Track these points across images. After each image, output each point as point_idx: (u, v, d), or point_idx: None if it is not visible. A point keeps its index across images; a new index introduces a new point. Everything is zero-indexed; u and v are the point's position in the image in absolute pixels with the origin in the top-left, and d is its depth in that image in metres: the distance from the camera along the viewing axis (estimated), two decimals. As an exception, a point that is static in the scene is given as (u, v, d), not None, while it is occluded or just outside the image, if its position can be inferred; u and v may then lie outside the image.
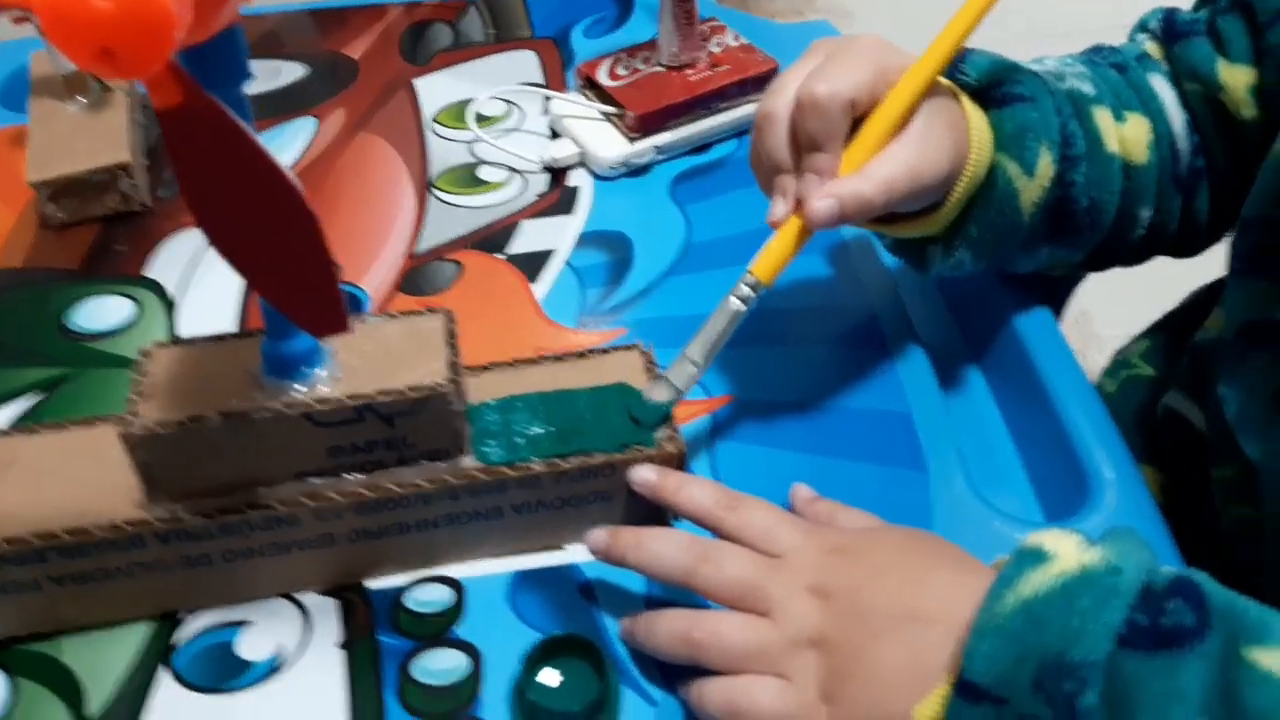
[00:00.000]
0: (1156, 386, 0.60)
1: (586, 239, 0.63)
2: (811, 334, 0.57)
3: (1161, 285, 0.70)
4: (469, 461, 0.43)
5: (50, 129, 0.65)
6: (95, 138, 0.65)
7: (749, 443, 0.51)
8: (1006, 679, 0.34)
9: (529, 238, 0.63)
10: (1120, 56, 0.55)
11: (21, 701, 0.42)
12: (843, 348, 0.56)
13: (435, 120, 0.73)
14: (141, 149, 0.67)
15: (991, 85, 0.49)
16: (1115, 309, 0.98)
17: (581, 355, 0.49)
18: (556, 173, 0.68)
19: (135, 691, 0.42)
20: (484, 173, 0.68)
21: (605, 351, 0.49)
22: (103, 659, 0.43)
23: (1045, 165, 0.48)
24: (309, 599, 0.45)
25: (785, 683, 0.39)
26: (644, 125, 0.66)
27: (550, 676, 0.40)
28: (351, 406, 0.40)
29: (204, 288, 0.60)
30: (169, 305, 0.59)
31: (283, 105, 0.74)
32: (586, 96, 0.70)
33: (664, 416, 0.45)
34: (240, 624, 0.44)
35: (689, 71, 0.69)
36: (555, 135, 0.70)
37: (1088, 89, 0.51)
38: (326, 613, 0.45)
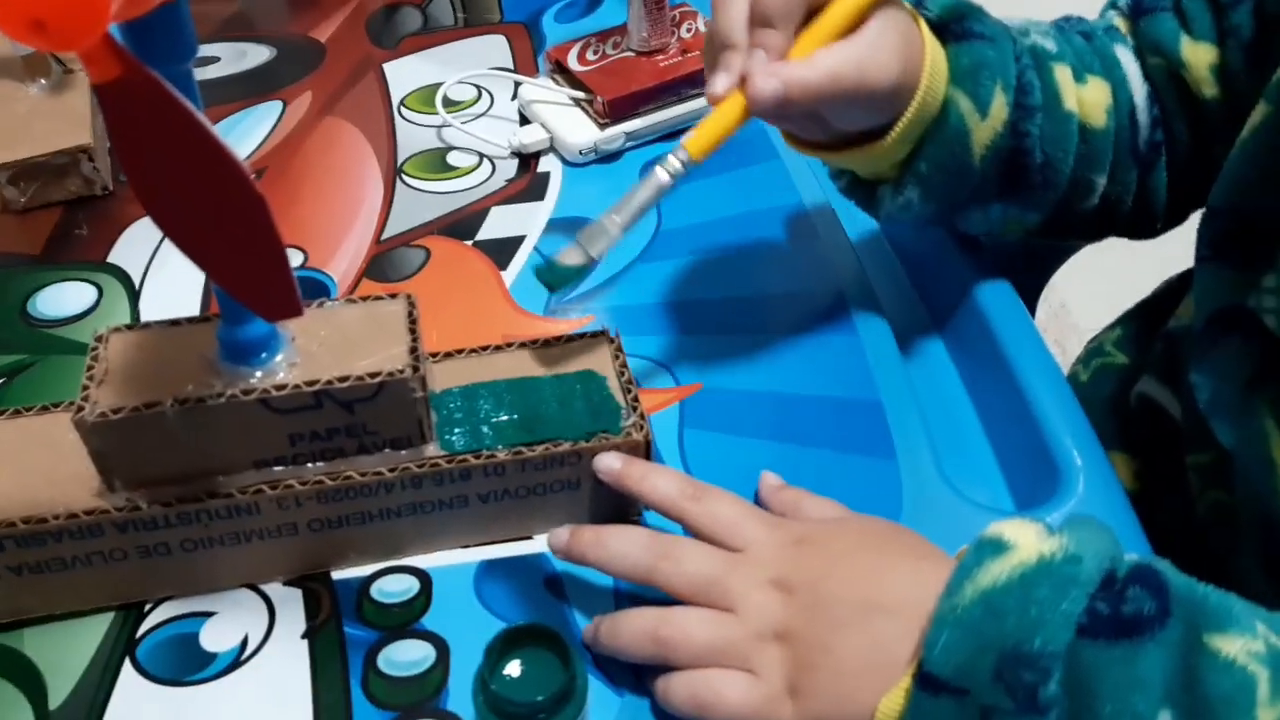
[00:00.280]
0: (1130, 374, 0.60)
1: (556, 225, 0.62)
2: (780, 321, 0.57)
3: (1139, 277, 0.70)
4: (433, 450, 0.43)
5: (10, 111, 0.64)
6: (56, 120, 0.64)
7: (717, 431, 0.51)
8: (966, 670, 0.34)
9: (498, 224, 0.62)
10: (1088, 26, 0.55)
11: (-20, 694, 0.41)
12: (811, 335, 0.56)
13: (403, 105, 0.72)
14: (104, 132, 0.66)
15: (952, 20, 0.49)
16: (1093, 300, 0.98)
17: (548, 343, 0.48)
18: (526, 158, 0.67)
19: (98, 684, 0.42)
20: (453, 158, 0.67)
21: (573, 339, 0.48)
22: (65, 651, 0.43)
23: (999, 106, 0.48)
24: (273, 590, 0.45)
25: (751, 676, 0.39)
26: (614, 111, 0.65)
27: (515, 667, 0.40)
28: (309, 393, 0.39)
29: (168, 274, 0.59)
30: (132, 291, 0.58)
31: (249, 88, 0.73)
32: (556, 81, 0.69)
33: (572, 280, 0.44)
34: (204, 615, 0.44)
35: (659, 57, 0.68)
36: (525, 121, 0.69)
37: (1050, 46, 0.51)
38: (291, 603, 0.44)
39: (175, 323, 0.43)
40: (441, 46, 0.78)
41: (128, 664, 0.42)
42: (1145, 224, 0.56)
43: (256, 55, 0.77)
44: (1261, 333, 0.42)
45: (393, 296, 0.44)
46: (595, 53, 0.69)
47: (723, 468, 0.48)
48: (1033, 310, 0.73)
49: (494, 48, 0.77)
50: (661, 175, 0.45)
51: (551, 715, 0.38)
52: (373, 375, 0.40)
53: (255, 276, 0.33)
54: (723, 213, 0.62)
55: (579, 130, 0.66)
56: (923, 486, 0.48)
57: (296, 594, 0.44)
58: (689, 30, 0.71)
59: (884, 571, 0.39)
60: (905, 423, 0.51)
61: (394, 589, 0.45)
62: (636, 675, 0.41)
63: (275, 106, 0.71)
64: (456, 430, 0.44)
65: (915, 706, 0.35)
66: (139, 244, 0.61)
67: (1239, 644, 0.32)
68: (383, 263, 0.60)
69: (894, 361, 0.54)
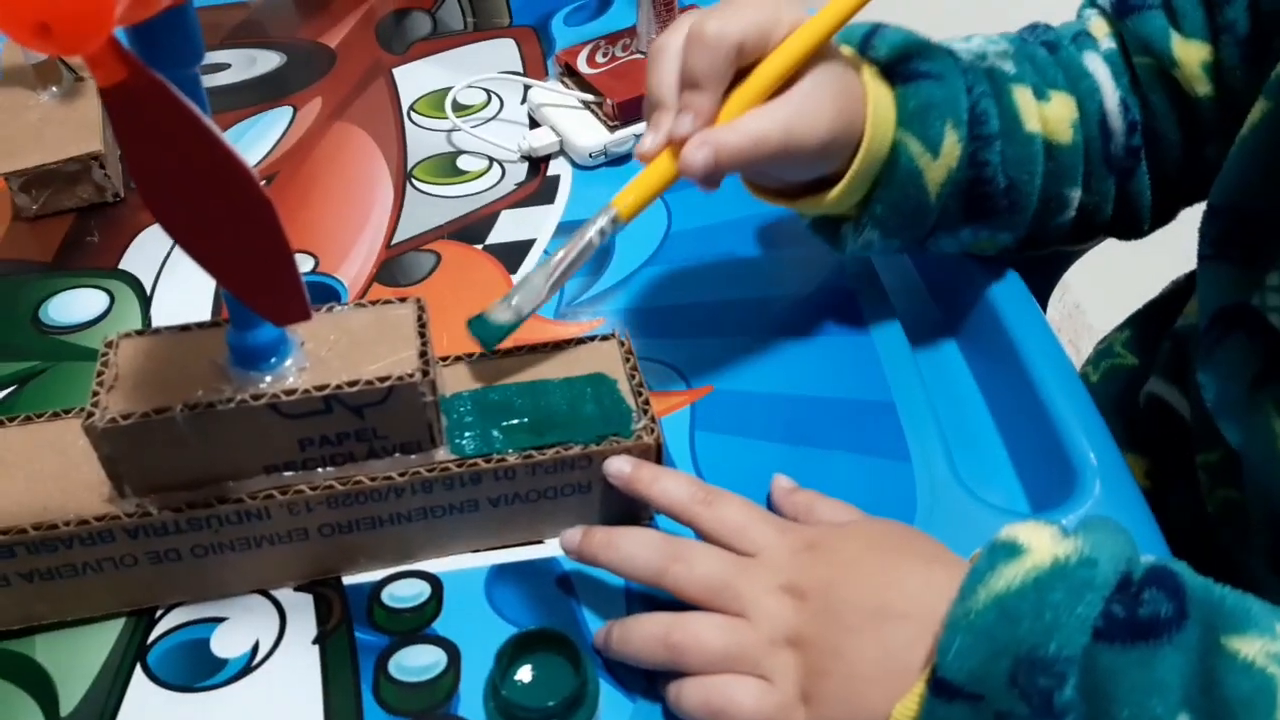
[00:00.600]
0: (1139, 375, 0.60)
1: (566, 228, 0.62)
2: (791, 323, 0.56)
3: (1153, 276, 0.69)
4: (443, 454, 0.43)
5: (21, 119, 0.64)
6: (67, 127, 0.64)
7: (729, 434, 0.51)
8: (981, 675, 0.33)
9: (508, 228, 0.62)
10: (1054, 35, 0.54)
11: (-8, 700, 0.41)
12: (823, 336, 0.55)
13: (413, 109, 0.72)
14: (115, 138, 0.66)
15: (899, 61, 0.49)
16: (1107, 301, 0.97)
17: (559, 346, 0.48)
18: (536, 162, 0.67)
19: (109, 690, 0.41)
20: (463, 162, 0.67)
21: (583, 342, 0.48)
22: (76, 657, 0.43)
23: (951, 144, 0.48)
24: (284, 595, 0.45)
25: (764, 683, 0.38)
26: (623, 113, 0.65)
27: (526, 672, 0.39)
28: (319, 397, 0.39)
29: (179, 280, 0.59)
30: (144, 298, 0.59)
31: (259, 94, 0.73)
32: (565, 84, 0.69)
33: (501, 338, 0.45)
34: (215, 621, 0.44)
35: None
36: (534, 124, 0.69)
37: (1009, 68, 0.51)
38: (302, 609, 0.44)
39: (185, 328, 0.42)
40: (451, 51, 0.78)
41: (139, 670, 0.42)
42: (1130, 227, 0.56)
43: (267, 61, 0.77)
44: (1266, 330, 0.42)
45: (402, 301, 0.44)
46: (604, 55, 0.69)
47: (734, 471, 0.48)
48: (1044, 310, 0.73)
49: (503, 51, 0.77)
50: (590, 235, 0.45)
51: (563, 720, 0.37)
52: (382, 380, 0.40)
53: (264, 281, 0.33)
54: (732, 214, 0.62)
55: (589, 133, 0.66)
56: (937, 488, 0.48)
57: (307, 599, 0.44)
58: (698, 32, 0.70)
59: (896, 576, 0.38)
60: (919, 424, 0.51)
61: (405, 594, 0.44)
62: (648, 680, 0.41)
63: (285, 112, 0.71)
64: (467, 434, 0.43)
65: (929, 712, 0.34)
66: (150, 250, 0.61)
67: (1258, 645, 0.32)
68: (393, 267, 0.60)
69: (907, 362, 0.54)
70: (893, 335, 0.55)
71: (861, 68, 0.48)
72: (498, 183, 0.66)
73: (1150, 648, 0.33)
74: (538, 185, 0.65)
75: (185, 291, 0.59)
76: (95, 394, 0.39)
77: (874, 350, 0.54)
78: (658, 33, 0.68)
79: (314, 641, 0.43)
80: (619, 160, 0.67)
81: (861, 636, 0.37)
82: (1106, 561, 0.34)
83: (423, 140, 0.69)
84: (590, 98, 0.67)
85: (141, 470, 0.40)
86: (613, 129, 0.66)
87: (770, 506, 0.46)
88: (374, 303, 0.43)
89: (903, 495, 0.48)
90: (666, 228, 0.62)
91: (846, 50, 0.48)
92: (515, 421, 0.44)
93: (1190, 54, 0.50)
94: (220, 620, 0.44)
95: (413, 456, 0.42)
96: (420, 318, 0.43)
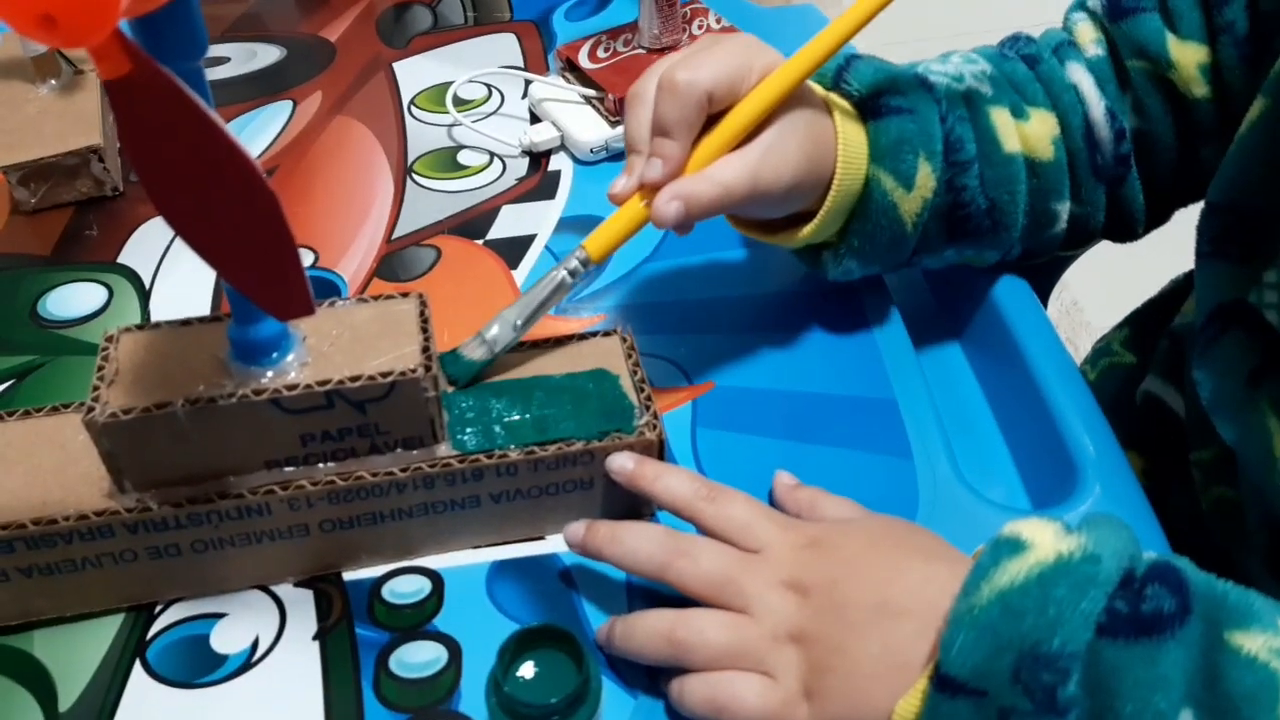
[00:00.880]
0: (1137, 373, 0.60)
1: (567, 224, 0.62)
2: (793, 319, 0.56)
3: (1152, 274, 0.69)
4: (444, 449, 0.42)
5: (20, 112, 0.64)
6: (66, 121, 0.64)
7: (731, 430, 0.50)
8: (984, 671, 0.33)
9: (509, 223, 0.62)
10: (1035, 48, 0.54)
11: (-10, 696, 0.41)
12: (825, 333, 0.55)
13: (414, 104, 0.71)
14: (114, 132, 0.66)
15: (871, 96, 0.49)
16: (1106, 298, 0.97)
17: (561, 342, 0.48)
18: (537, 157, 0.67)
19: (108, 686, 0.41)
20: (463, 157, 0.67)
21: (585, 337, 0.48)
22: (75, 653, 0.42)
23: (924, 176, 0.49)
24: (284, 591, 0.44)
25: (767, 679, 0.38)
26: (625, 109, 0.65)
27: (528, 668, 0.39)
28: (321, 393, 0.39)
29: (178, 274, 0.59)
30: (143, 292, 0.58)
31: (259, 88, 0.73)
32: (567, 79, 0.69)
33: (473, 374, 0.45)
34: (215, 616, 0.44)
35: (671, 53, 0.68)
36: (535, 119, 0.69)
37: (985, 89, 0.51)
38: (302, 605, 0.44)
39: (186, 322, 0.42)
40: (451, 45, 0.77)
41: (138, 666, 0.42)
42: (1124, 231, 0.56)
43: (267, 55, 0.76)
44: (1263, 328, 0.42)
45: (404, 296, 0.43)
46: (606, 50, 0.69)
47: (736, 467, 0.48)
48: (1044, 308, 0.73)
49: (504, 46, 0.77)
50: (561, 274, 0.46)
51: (565, 717, 0.37)
52: (384, 375, 0.39)
53: (267, 275, 0.32)
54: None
55: (590, 128, 0.66)
56: (938, 485, 0.48)
57: (308, 595, 0.44)
58: (700, 27, 0.70)
59: (899, 573, 0.38)
60: (920, 421, 0.50)
61: (406, 590, 0.44)
62: (650, 677, 0.41)
63: (285, 106, 0.71)
64: (469, 430, 0.43)
65: (932, 708, 0.34)
66: (149, 244, 0.61)
67: (1260, 640, 0.32)
68: (393, 262, 0.60)
69: (909, 359, 0.54)
70: (895, 332, 0.55)
71: (833, 106, 0.49)
72: (498, 178, 0.65)
73: (1154, 643, 0.33)
74: (539, 180, 0.65)
75: (184, 285, 0.58)
76: (95, 388, 0.39)
77: (876, 347, 0.54)
78: (660, 28, 0.68)
79: (314, 638, 0.43)
80: (620, 156, 0.67)
81: (864, 633, 0.37)
82: (1110, 557, 0.34)
83: (423, 135, 0.69)
84: (592, 93, 0.67)
85: (142, 465, 0.40)
86: (614, 124, 0.66)
87: (772, 503, 0.46)
88: (376, 298, 0.43)
89: (905, 492, 0.47)
90: (668, 223, 0.62)
91: (818, 88, 0.49)
92: (517, 417, 0.44)
93: (1187, 55, 0.50)
94: (220, 616, 0.43)
95: (414, 452, 0.42)
96: (423, 313, 0.42)
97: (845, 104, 0.49)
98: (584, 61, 0.68)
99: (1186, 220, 0.56)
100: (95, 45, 0.26)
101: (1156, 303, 0.64)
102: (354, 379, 0.39)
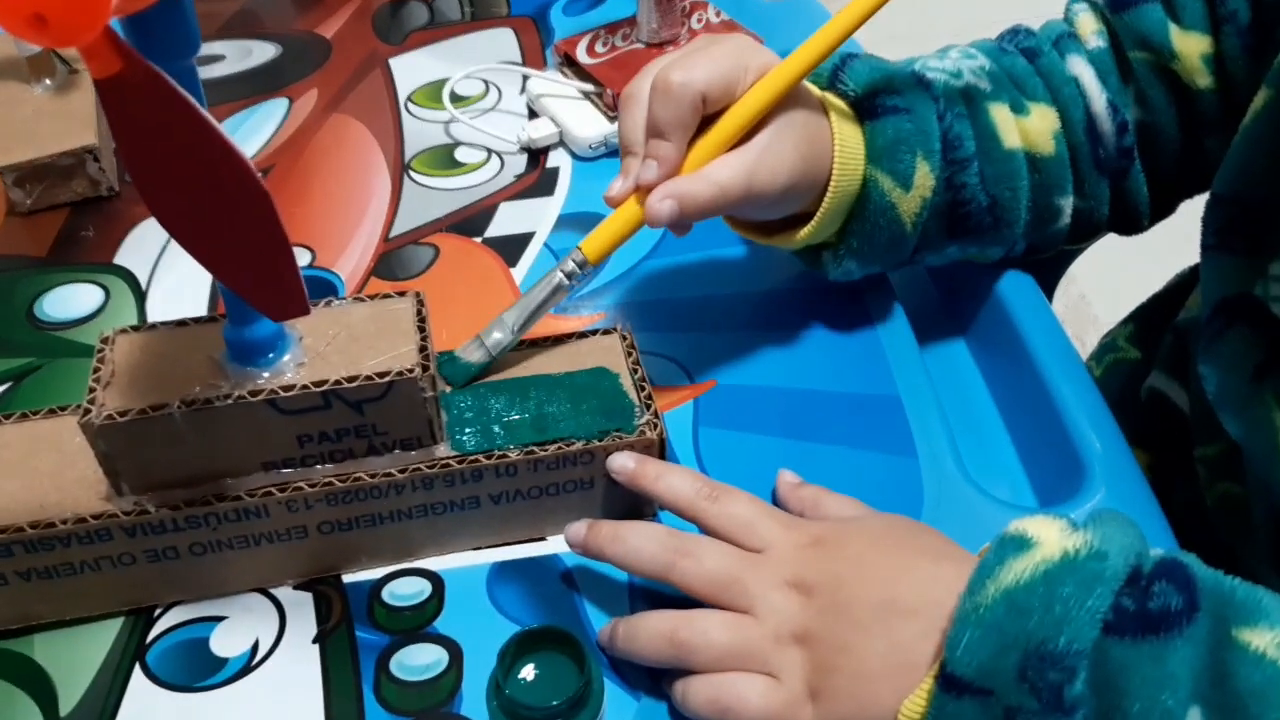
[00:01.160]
0: (1142, 369, 0.60)
1: (566, 221, 0.62)
2: (795, 316, 0.56)
3: (1159, 267, 0.69)
4: (443, 450, 0.42)
5: (15, 113, 0.64)
6: (61, 121, 0.63)
7: (733, 429, 0.50)
8: (989, 670, 0.33)
9: (507, 220, 0.62)
10: (1034, 41, 0.54)
11: (-10, 700, 0.41)
12: (828, 330, 0.55)
13: (411, 100, 0.71)
14: (110, 132, 0.66)
15: (868, 96, 0.49)
16: (1113, 293, 0.97)
17: (560, 340, 0.48)
18: (535, 153, 0.66)
19: (108, 689, 0.41)
20: (461, 154, 0.67)
21: (584, 336, 0.48)
22: (75, 657, 0.42)
23: (923, 175, 0.48)
24: (284, 594, 0.44)
25: (771, 680, 0.38)
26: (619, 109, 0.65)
27: (529, 671, 0.39)
28: (318, 393, 0.39)
29: (174, 275, 0.59)
30: (139, 293, 0.58)
31: (254, 86, 0.73)
32: (565, 75, 0.69)
33: (470, 377, 0.45)
34: (214, 620, 0.43)
35: (670, 48, 0.68)
36: (533, 115, 0.68)
37: (984, 85, 0.51)
38: (301, 607, 0.44)
39: (182, 323, 0.42)
40: (448, 41, 0.77)
41: (138, 669, 0.42)
42: (1129, 224, 0.56)
43: (262, 53, 0.76)
44: (1268, 321, 0.42)
45: (401, 295, 0.43)
46: (604, 45, 0.69)
47: (739, 466, 0.48)
48: (1050, 302, 0.73)
49: (502, 41, 0.77)
50: (559, 277, 0.46)
51: (567, 719, 0.37)
52: (382, 375, 0.39)
53: (261, 275, 0.32)
54: (735, 206, 0.62)
55: (589, 124, 0.65)
56: (943, 483, 0.47)
57: (307, 598, 0.44)
58: (699, 21, 0.70)
59: (904, 571, 0.38)
60: (925, 418, 0.50)
61: (406, 592, 0.44)
62: (653, 678, 0.41)
63: (281, 104, 0.71)
64: (467, 430, 0.43)
65: (937, 708, 0.34)
66: (145, 245, 0.61)
67: (1269, 637, 0.32)
68: (391, 261, 0.59)
69: (912, 355, 0.53)
70: (899, 329, 0.55)
71: (829, 107, 0.48)
72: (497, 174, 0.65)
73: (1161, 641, 0.32)
74: (537, 177, 0.65)
75: (181, 286, 0.58)
76: (92, 391, 0.39)
77: (880, 344, 0.54)
78: (658, 22, 0.67)
79: (314, 640, 0.42)
80: (619, 152, 0.66)
81: (869, 632, 0.37)
82: (1116, 554, 0.34)
83: (420, 132, 0.68)
84: (590, 88, 0.67)
85: (139, 467, 0.40)
86: (613, 119, 0.65)
87: (775, 502, 0.46)
88: (373, 297, 0.43)
89: (909, 490, 0.47)
90: (668, 220, 0.61)
91: (814, 89, 0.49)
92: (517, 417, 0.44)
93: (1190, 46, 0.50)
94: (220, 619, 0.43)
95: (413, 453, 0.42)
96: (420, 312, 0.42)
97: (841, 104, 0.49)
98: (582, 56, 0.68)
99: (1196, 213, 0.55)
100: (86, 44, 0.26)
101: (1161, 298, 0.64)
102: (351, 379, 0.39)
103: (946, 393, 0.53)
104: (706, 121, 0.45)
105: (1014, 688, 0.33)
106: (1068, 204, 0.52)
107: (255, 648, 0.42)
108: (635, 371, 0.46)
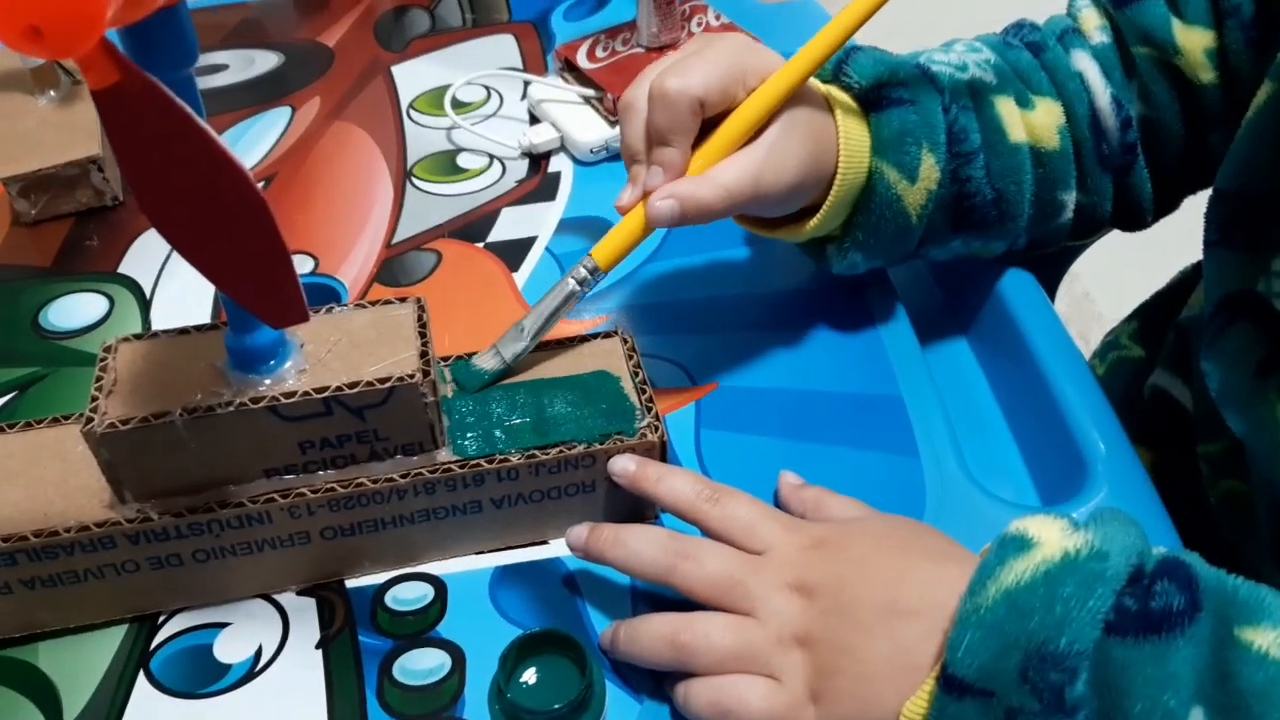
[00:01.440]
0: (1145, 367, 0.59)
1: (567, 225, 0.62)
2: (797, 317, 0.56)
3: (1163, 264, 0.69)
4: (445, 455, 0.42)
5: (19, 124, 0.64)
6: (65, 131, 0.64)
7: (735, 431, 0.50)
8: (990, 671, 0.33)
9: (509, 225, 0.62)
10: (1039, 35, 0.54)
11: (-5, 709, 0.41)
12: (829, 330, 0.55)
13: (412, 107, 0.71)
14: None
15: (873, 88, 0.49)
16: (1117, 290, 0.97)
17: (561, 344, 0.48)
18: (536, 158, 0.66)
19: (113, 697, 0.41)
20: (463, 160, 0.67)
21: (586, 339, 0.48)
22: (79, 664, 0.42)
23: (928, 168, 0.48)
24: (287, 599, 0.44)
25: (773, 682, 0.38)
26: (619, 117, 0.65)
27: (531, 674, 0.39)
28: (319, 399, 0.39)
29: (178, 283, 0.59)
30: (144, 302, 0.58)
31: (257, 95, 0.73)
32: (566, 80, 0.69)
33: (484, 383, 0.45)
34: (218, 626, 0.43)
35: (670, 52, 0.68)
36: (534, 120, 0.68)
37: (990, 78, 0.51)
38: (305, 613, 0.44)
39: (184, 331, 0.42)
40: (450, 48, 0.77)
41: (142, 676, 0.42)
42: (1133, 220, 0.55)
43: (265, 62, 0.76)
44: (1271, 317, 0.42)
45: (402, 301, 0.43)
46: (605, 50, 0.69)
47: (741, 468, 0.48)
48: (1052, 300, 0.73)
49: (502, 47, 0.77)
50: (570, 284, 0.46)
51: (569, 723, 0.37)
52: (383, 381, 0.39)
53: (260, 283, 0.32)
54: (736, 209, 0.62)
55: (590, 128, 0.65)
56: (946, 483, 0.47)
57: (310, 603, 0.44)
58: (699, 25, 0.70)
59: (905, 573, 0.38)
60: (927, 418, 0.50)
61: (408, 597, 0.44)
62: (655, 681, 0.41)
63: (284, 112, 0.71)
64: (469, 434, 0.43)
65: (939, 710, 0.34)
66: (149, 254, 0.61)
67: (1271, 636, 0.32)
68: (393, 267, 0.59)
69: (914, 355, 0.53)
70: (900, 329, 0.55)
71: (833, 101, 0.48)
72: (498, 180, 0.65)
73: (1163, 641, 0.32)
74: (539, 182, 0.65)
75: (185, 294, 0.58)
76: (94, 399, 0.39)
77: (881, 344, 0.54)
78: (658, 26, 0.67)
79: (317, 646, 0.43)
80: (620, 156, 0.66)
81: (871, 634, 0.37)
82: (1118, 554, 0.34)
83: (422, 138, 0.69)
84: (591, 93, 0.67)
85: (141, 475, 0.40)
86: (614, 124, 0.65)
87: (777, 504, 0.46)
88: (374, 303, 0.43)
89: (912, 490, 0.47)
90: (669, 223, 0.62)
91: (818, 83, 0.49)
92: (518, 421, 0.44)
93: (1193, 41, 0.50)
94: (223, 625, 0.43)
95: (414, 458, 0.42)
96: (420, 317, 0.42)
97: (846, 98, 0.49)
98: (582, 61, 0.68)
99: (1200, 210, 0.55)
100: (82, 55, 0.26)
101: (1165, 295, 0.64)
102: (352, 385, 0.39)
103: (949, 392, 0.53)
104: (713, 123, 0.45)
105: (1015, 689, 0.33)
106: (1071, 199, 0.52)
107: (259, 654, 0.42)
108: (636, 374, 0.46)
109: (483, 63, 0.75)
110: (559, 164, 0.66)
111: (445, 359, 0.47)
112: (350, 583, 0.45)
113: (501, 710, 0.37)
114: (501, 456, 0.42)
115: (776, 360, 0.53)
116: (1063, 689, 0.32)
